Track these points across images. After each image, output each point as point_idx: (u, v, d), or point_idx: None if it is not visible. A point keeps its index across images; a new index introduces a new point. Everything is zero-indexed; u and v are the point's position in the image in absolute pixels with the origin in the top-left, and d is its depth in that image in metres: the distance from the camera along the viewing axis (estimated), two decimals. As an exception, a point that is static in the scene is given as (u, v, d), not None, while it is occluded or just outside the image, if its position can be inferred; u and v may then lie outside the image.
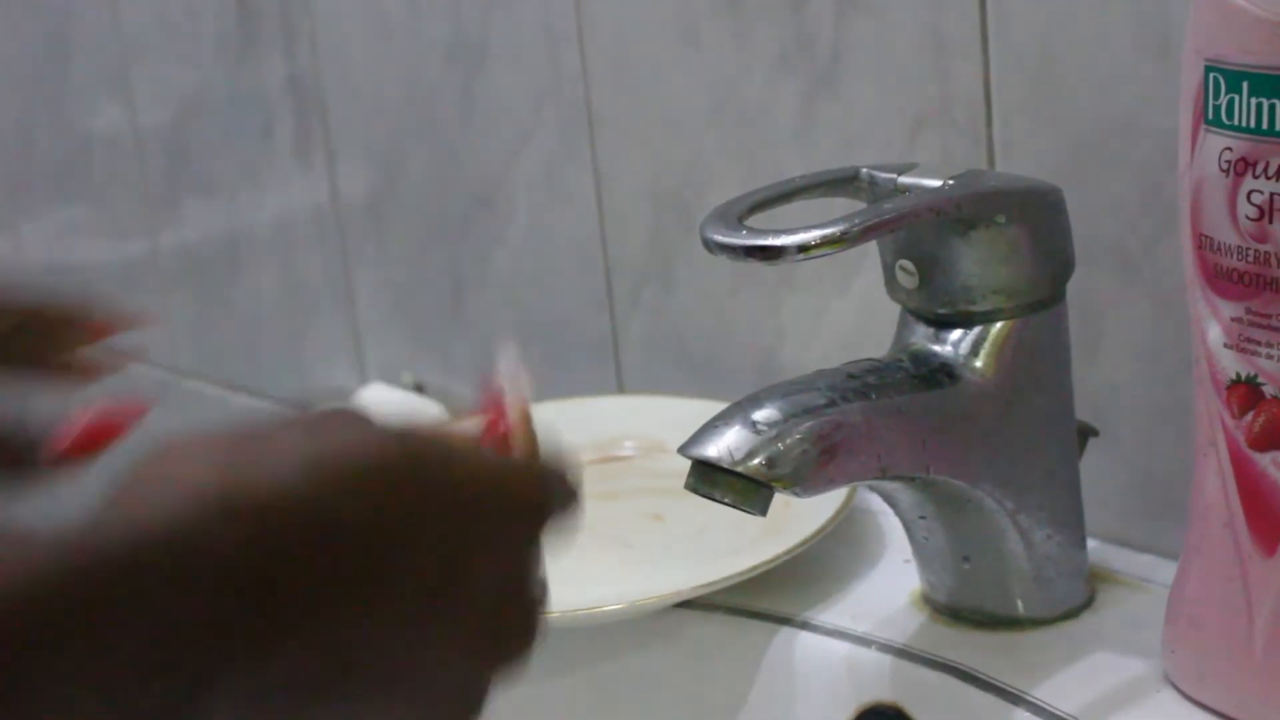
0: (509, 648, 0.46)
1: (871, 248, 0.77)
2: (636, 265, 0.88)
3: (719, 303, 0.85)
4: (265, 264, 1.13)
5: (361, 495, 0.42)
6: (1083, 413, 0.67)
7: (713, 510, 0.73)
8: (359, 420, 0.45)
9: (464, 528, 0.44)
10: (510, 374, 0.49)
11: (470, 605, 0.44)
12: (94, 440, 0.51)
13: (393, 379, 1.05)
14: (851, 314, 0.79)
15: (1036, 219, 0.61)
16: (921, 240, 0.62)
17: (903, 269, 0.62)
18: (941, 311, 0.62)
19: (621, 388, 0.91)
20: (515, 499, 0.46)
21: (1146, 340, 0.70)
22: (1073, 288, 0.64)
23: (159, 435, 0.43)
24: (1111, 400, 0.71)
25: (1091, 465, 0.67)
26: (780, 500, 0.73)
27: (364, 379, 1.07)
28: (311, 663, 0.41)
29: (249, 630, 0.40)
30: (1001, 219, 0.60)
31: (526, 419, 0.48)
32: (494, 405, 0.48)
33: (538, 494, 0.47)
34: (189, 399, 1.23)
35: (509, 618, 0.46)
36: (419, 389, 1.03)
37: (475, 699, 0.45)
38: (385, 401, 1.03)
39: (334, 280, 1.07)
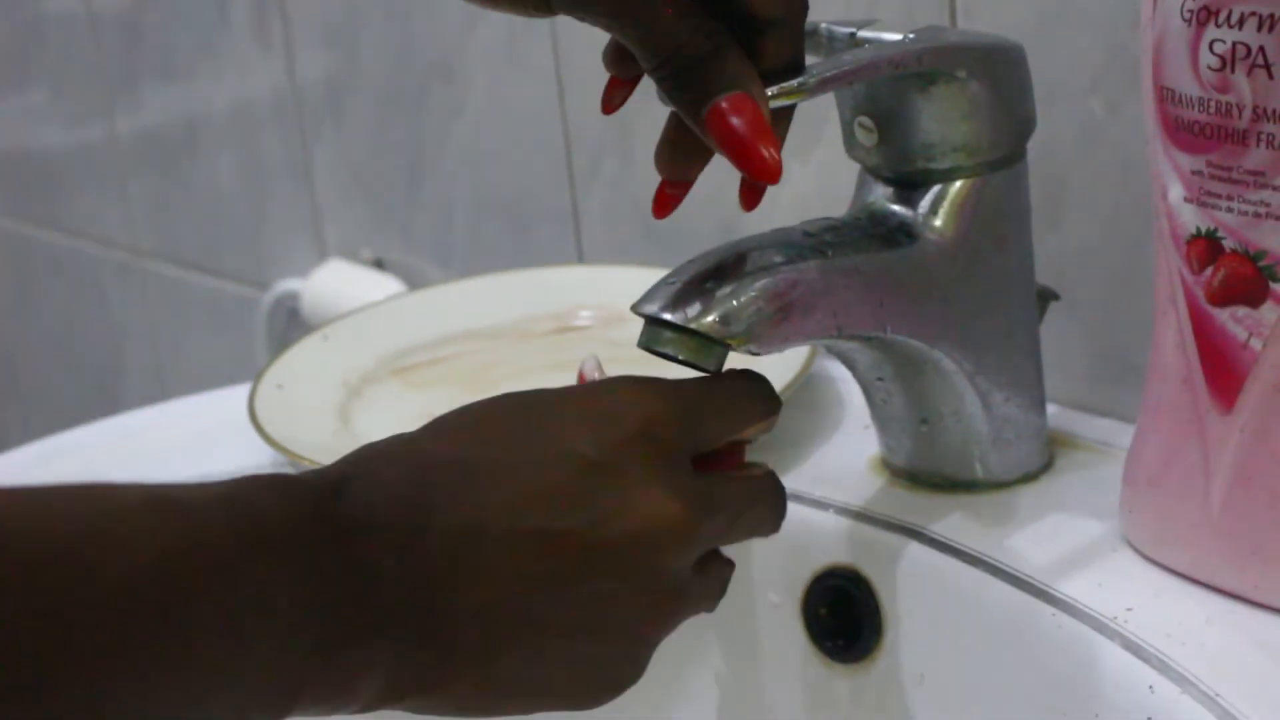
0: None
1: (832, 112, 0.76)
2: (596, 136, 0.87)
3: (679, 173, 0.84)
4: (223, 144, 1.11)
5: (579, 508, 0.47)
6: (1044, 278, 0.66)
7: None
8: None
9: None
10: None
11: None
12: None
13: (352, 255, 1.03)
14: (811, 181, 0.78)
15: (997, 75, 0.60)
16: (881, 96, 0.60)
17: (861, 126, 0.61)
18: (901, 170, 0.61)
19: (582, 259, 0.90)
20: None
21: (1109, 204, 0.69)
22: (1035, 152, 0.63)
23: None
24: (1073, 265, 0.70)
25: (1052, 331, 0.67)
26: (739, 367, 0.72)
27: (323, 255, 1.06)
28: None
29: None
30: (962, 74, 0.59)
31: None
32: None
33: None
34: (149, 279, 1.22)
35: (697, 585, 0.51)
36: (378, 264, 1.02)
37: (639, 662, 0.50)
38: (345, 277, 1.02)
39: (292, 158, 1.06)
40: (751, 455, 0.69)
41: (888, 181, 0.62)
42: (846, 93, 0.61)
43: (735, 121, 0.52)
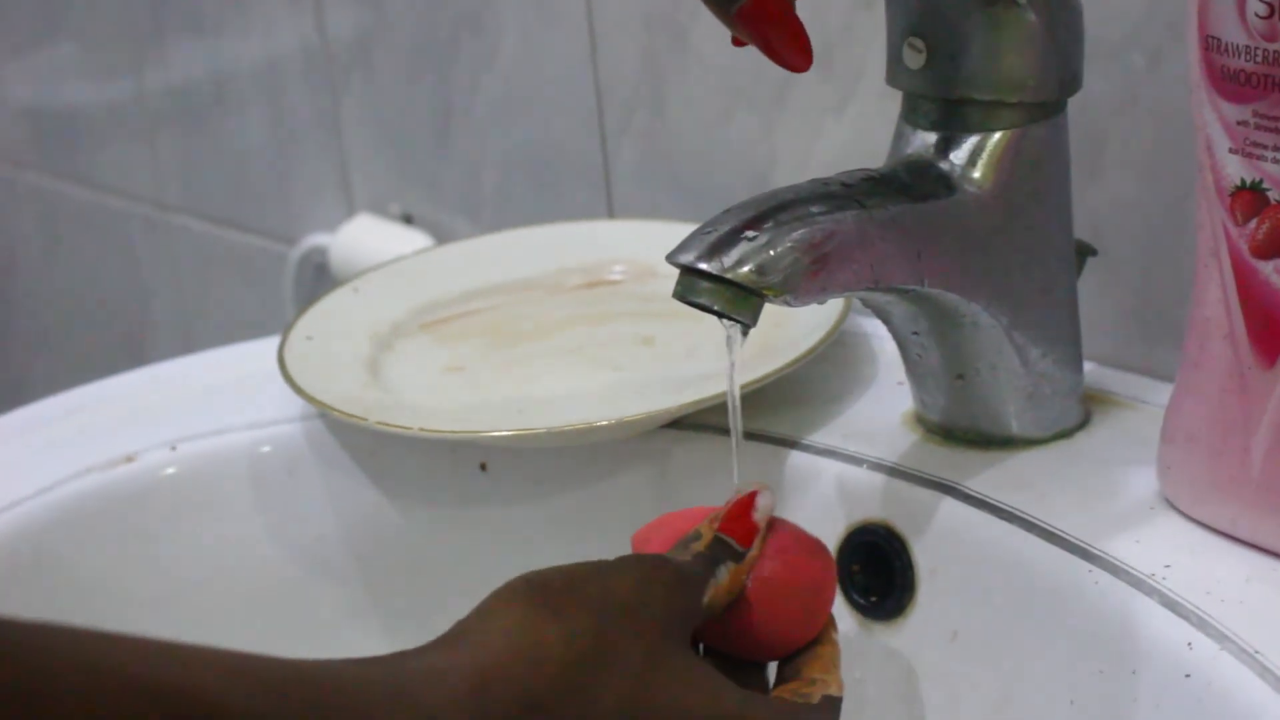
0: None
1: (868, 66, 0.75)
2: (628, 89, 0.86)
3: (711, 126, 0.83)
4: (252, 98, 1.11)
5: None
6: (1082, 233, 0.66)
7: (703, 333, 0.72)
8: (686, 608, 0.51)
9: None
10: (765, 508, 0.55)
11: None
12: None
13: (380, 210, 1.03)
14: (845, 137, 0.78)
15: (1056, 13, 0.59)
16: (938, 15, 0.59)
17: (911, 46, 0.60)
18: (943, 95, 0.60)
19: (612, 214, 0.89)
20: None
21: (1149, 159, 0.68)
22: (1074, 104, 0.63)
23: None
24: (1112, 221, 0.69)
25: (1090, 287, 0.66)
26: (772, 321, 0.72)
27: (351, 211, 1.05)
28: None
29: None
30: (1023, 0, 0.58)
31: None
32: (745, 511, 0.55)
33: None
34: (177, 234, 1.22)
35: None
36: (407, 220, 1.01)
37: None
38: (373, 232, 1.01)
39: (321, 112, 1.05)
40: (785, 408, 0.69)
41: (926, 128, 0.61)
42: (901, 11, 0.60)
43: (765, 21, 0.57)
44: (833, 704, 0.53)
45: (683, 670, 0.49)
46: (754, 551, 0.54)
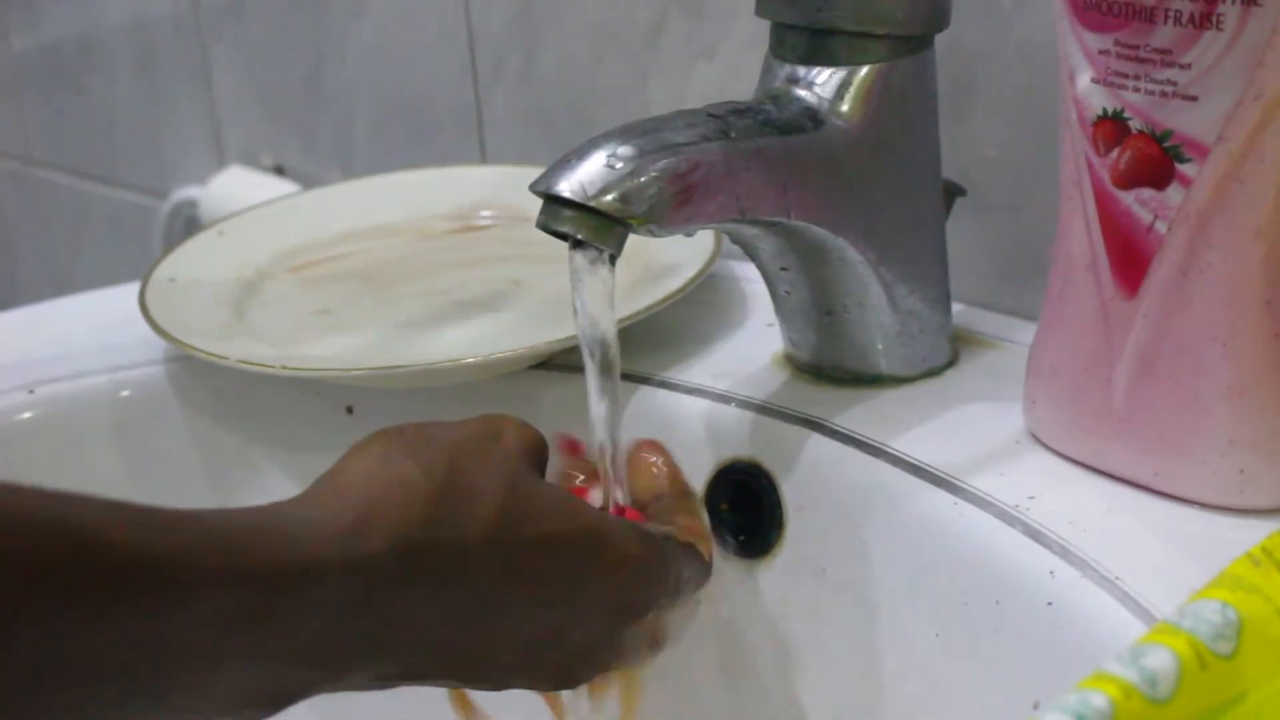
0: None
1: (740, 7, 0.75)
2: (500, 35, 0.85)
3: (584, 72, 0.82)
4: (121, 50, 1.09)
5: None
6: (951, 175, 0.66)
7: (574, 275, 0.71)
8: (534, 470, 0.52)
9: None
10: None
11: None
12: None
13: (252, 161, 1.01)
14: (718, 79, 0.77)
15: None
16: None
17: None
18: (812, 22, 0.59)
19: (485, 160, 0.88)
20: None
21: (1017, 101, 0.68)
22: (944, 47, 0.62)
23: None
24: (980, 163, 0.69)
25: (959, 230, 0.66)
26: (641, 263, 0.71)
27: (222, 162, 1.03)
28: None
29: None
30: None
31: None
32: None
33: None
34: (44, 189, 1.19)
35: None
36: (279, 170, 1.00)
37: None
38: (244, 183, 1.00)
39: (191, 63, 1.03)
40: (655, 349, 0.69)
41: (794, 61, 0.60)
42: None
43: None
44: (690, 548, 0.57)
45: (541, 495, 0.51)
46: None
